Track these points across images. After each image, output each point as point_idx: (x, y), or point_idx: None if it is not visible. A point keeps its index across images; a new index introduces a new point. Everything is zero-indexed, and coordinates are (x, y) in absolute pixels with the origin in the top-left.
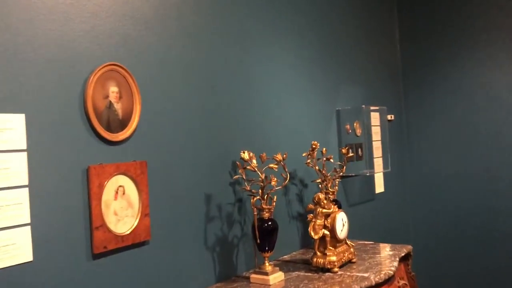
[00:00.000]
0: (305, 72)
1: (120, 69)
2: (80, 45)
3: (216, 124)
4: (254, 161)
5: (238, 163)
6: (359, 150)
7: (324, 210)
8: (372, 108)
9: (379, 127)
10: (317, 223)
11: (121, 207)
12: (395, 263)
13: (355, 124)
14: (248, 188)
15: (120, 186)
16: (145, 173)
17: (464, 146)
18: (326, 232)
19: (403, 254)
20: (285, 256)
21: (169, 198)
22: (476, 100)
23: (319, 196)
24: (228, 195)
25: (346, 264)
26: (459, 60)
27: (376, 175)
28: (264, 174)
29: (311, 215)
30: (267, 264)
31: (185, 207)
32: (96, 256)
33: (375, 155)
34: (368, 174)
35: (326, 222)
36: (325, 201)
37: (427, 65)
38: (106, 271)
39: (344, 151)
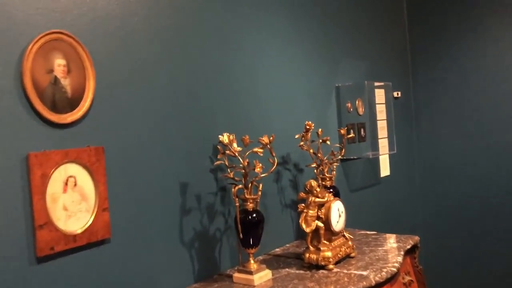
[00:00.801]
0: (299, 44)
1: (67, 38)
2: (15, 9)
3: (194, 104)
4: (235, 144)
5: (219, 147)
6: (362, 130)
7: (317, 199)
8: (376, 84)
9: (384, 105)
10: (309, 214)
11: (73, 201)
12: (399, 258)
13: (357, 102)
14: (231, 176)
15: (71, 176)
16: (102, 161)
17: (476, 126)
18: (320, 224)
19: (409, 247)
20: (277, 250)
21: (134, 189)
22: (489, 79)
23: (311, 184)
24: (208, 184)
25: (344, 259)
26: (472, 35)
27: (381, 158)
28: (247, 160)
29: (303, 205)
30: (252, 261)
31: (155, 198)
32: (41, 260)
33: (379, 135)
34: (371, 157)
35: (319, 213)
36: (318, 189)
37: (438, 38)
38: (54, 277)
39: (342, 131)
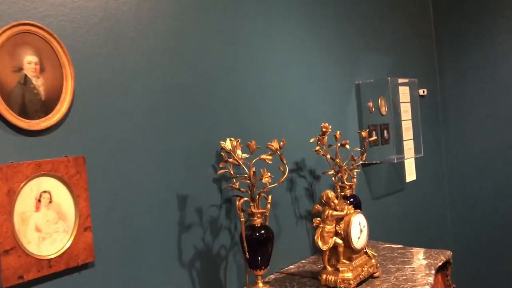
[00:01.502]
0: (315, 38)
1: (39, 31)
2: None
3: (194, 105)
4: (239, 151)
5: (222, 154)
6: (385, 132)
7: (335, 213)
8: (400, 81)
9: (409, 104)
10: (326, 229)
11: (47, 220)
12: (430, 278)
13: (379, 101)
14: (237, 186)
15: (45, 191)
16: (83, 173)
17: (510, 126)
18: (339, 241)
19: (440, 264)
20: (291, 267)
21: (123, 205)
22: None
23: (327, 195)
24: (211, 195)
25: (367, 280)
26: (504, 27)
27: (406, 162)
28: (254, 169)
29: (318, 219)
30: (260, 284)
31: (149, 214)
32: None
33: (404, 137)
34: (396, 161)
35: (338, 228)
36: (336, 201)
37: (467, 31)
38: None
39: (364, 134)
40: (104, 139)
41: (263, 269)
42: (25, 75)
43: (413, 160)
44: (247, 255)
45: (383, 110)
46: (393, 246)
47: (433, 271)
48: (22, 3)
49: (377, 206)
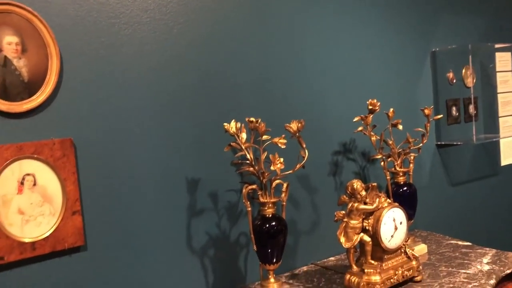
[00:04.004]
0: None
1: (19, 10)
2: None
3: (210, 79)
4: (244, 135)
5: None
6: (470, 107)
7: (361, 206)
8: (497, 46)
9: (510, 74)
10: (351, 224)
11: (31, 203)
12: None
13: (464, 71)
14: (253, 170)
15: (28, 174)
16: (71, 155)
17: None
18: (366, 238)
19: (509, 271)
20: (330, 258)
21: (118, 188)
22: None
23: (353, 185)
24: (228, 179)
25: (403, 285)
26: None
27: (502, 142)
28: (264, 153)
29: (342, 212)
30: (271, 279)
31: (149, 198)
32: None
33: (501, 113)
34: (485, 141)
35: (365, 223)
36: (363, 193)
37: None
38: None
39: (427, 111)
40: (96, 120)
41: (275, 264)
42: (5, 56)
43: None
44: (255, 248)
45: (469, 81)
46: (460, 243)
47: (492, 281)
48: None
49: (455, 193)
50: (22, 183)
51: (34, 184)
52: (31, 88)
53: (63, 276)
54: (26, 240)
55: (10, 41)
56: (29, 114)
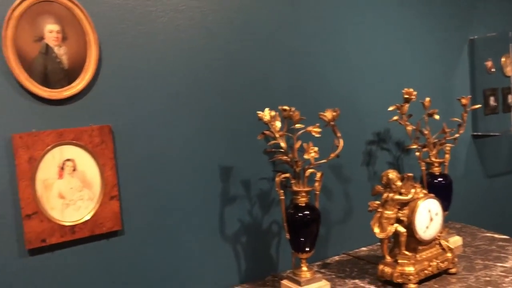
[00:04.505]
0: None
1: None
2: None
3: (243, 67)
4: (278, 123)
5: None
6: (509, 97)
7: (397, 197)
8: None
9: None
10: (385, 215)
11: (71, 187)
12: None
13: (503, 60)
14: (287, 159)
15: (68, 160)
16: (109, 142)
17: None
18: (401, 229)
19: None
20: (363, 248)
21: (155, 175)
22: None
23: (388, 175)
24: (261, 167)
25: (437, 277)
26: None
27: None
28: (299, 142)
29: (376, 203)
30: (304, 268)
31: (184, 185)
32: (33, 252)
33: None
34: None
35: (400, 214)
36: (398, 183)
37: None
38: (47, 272)
39: (464, 101)
40: (134, 107)
41: (308, 252)
42: (47, 44)
43: None
44: (288, 236)
45: (508, 70)
46: (496, 236)
47: None
48: None
49: (491, 185)
50: (62, 168)
51: (74, 170)
52: (70, 75)
53: (101, 259)
54: (66, 224)
55: (52, 29)
56: (69, 101)
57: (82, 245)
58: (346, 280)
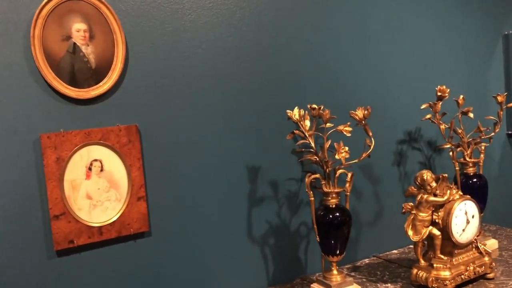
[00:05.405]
0: None
1: None
2: None
3: (272, 66)
4: (308, 122)
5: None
6: None
7: (431, 198)
8: None
9: None
10: (419, 217)
11: (99, 188)
12: None
13: None
14: (317, 159)
15: (95, 160)
16: (136, 142)
17: None
18: (435, 231)
19: None
20: (394, 251)
21: (182, 176)
22: None
23: (422, 176)
24: (289, 167)
25: (475, 281)
26: None
27: None
28: (329, 142)
29: (410, 204)
30: (334, 271)
31: (213, 186)
32: (61, 253)
33: None
34: None
35: (435, 216)
36: (433, 184)
37: None
38: (75, 274)
39: (500, 98)
40: (161, 107)
41: (338, 255)
42: (74, 43)
43: None
44: (318, 238)
45: None
46: None
47: None
48: None
49: None
50: (90, 169)
51: (101, 170)
52: (98, 74)
53: (128, 261)
54: (94, 225)
55: (79, 28)
56: (96, 101)
57: (109, 247)
58: (378, 284)
